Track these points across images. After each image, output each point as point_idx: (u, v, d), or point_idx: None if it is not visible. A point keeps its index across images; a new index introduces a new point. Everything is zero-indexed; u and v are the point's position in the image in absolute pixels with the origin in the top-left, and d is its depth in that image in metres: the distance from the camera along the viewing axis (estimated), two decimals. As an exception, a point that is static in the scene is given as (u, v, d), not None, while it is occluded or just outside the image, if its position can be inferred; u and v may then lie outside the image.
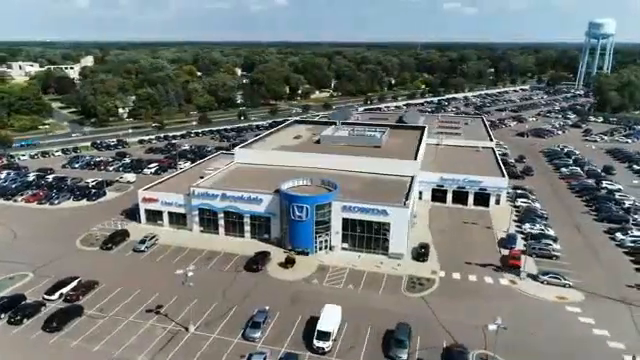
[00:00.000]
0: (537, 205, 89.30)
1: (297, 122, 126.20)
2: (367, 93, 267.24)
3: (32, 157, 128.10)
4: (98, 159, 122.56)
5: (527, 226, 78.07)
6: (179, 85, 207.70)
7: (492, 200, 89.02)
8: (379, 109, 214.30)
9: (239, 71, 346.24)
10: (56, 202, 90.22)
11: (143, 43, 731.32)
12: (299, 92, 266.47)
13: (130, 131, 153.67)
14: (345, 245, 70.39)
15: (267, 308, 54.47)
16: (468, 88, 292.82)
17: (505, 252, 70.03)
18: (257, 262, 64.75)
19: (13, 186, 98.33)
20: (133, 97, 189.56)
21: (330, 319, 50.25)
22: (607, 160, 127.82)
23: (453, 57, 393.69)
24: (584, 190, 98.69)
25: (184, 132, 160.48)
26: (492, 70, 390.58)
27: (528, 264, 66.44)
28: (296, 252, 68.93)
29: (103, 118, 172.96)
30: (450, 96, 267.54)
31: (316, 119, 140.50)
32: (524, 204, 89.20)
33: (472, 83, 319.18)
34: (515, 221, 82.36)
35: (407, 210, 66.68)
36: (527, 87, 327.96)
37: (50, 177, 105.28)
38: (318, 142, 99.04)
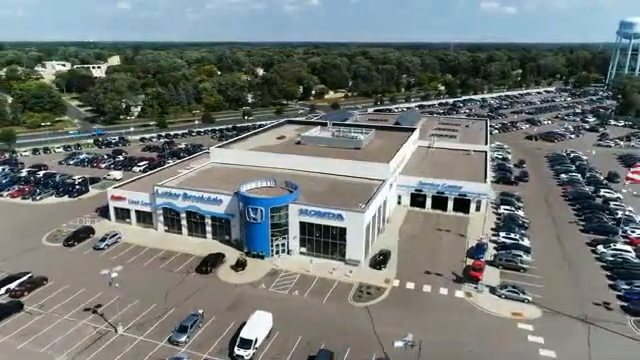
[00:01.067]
0: (520, 213, 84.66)
1: (288, 122, 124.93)
2: (382, 94, 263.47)
3: (34, 153, 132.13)
4: (93, 156, 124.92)
5: (502, 235, 73.96)
6: (190, 85, 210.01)
7: (472, 206, 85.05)
8: (389, 110, 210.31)
9: (261, 71, 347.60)
10: (38, 198, 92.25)
11: (179, 43, 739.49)
12: (313, 92, 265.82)
13: (132, 129, 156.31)
14: (303, 249, 68.56)
15: (201, 312, 53.38)
16: (487, 89, 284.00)
17: (471, 262, 66.44)
18: (207, 264, 63.82)
19: (3, 181, 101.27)
20: (142, 96, 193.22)
21: (256, 326, 48.68)
22: (616, 166, 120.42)
23: (481, 57, 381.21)
24: (578, 198, 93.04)
25: (186, 131, 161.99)
26: (520, 71, 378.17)
27: (493, 276, 63.05)
28: (252, 255, 67.67)
29: (111, 116, 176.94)
30: (467, 97, 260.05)
31: (314, 119, 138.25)
32: (506, 211, 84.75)
33: (494, 84, 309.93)
34: (493, 229, 78.48)
35: (363, 215, 64.12)
36: (552, 89, 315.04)
37: (41, 173, 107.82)
38: (299, 143, 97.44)
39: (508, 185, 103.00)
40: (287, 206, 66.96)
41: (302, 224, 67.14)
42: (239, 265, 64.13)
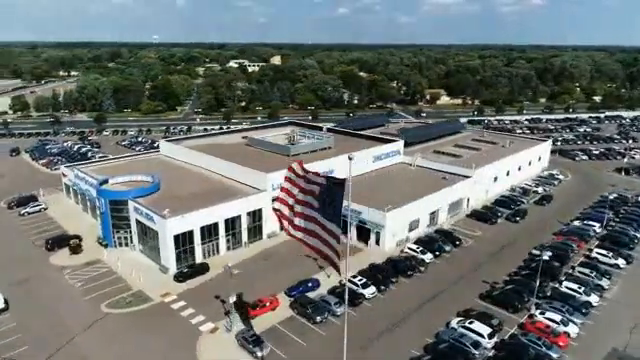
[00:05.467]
0: (426, 256, 66.57)
1: (290, 123, 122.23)
2: (512, 103, 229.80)
3: (114, 134, 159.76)
4: (141, 141, 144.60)
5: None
6: (286, 84, 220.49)
7: (372, 238, 70.85)
8: (483, 122, 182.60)
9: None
10: (53, 168, 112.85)
11: (377, 45, 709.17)
12: (427, 97, 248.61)
13: (198, 120, 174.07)
14: (141, 247, 68.93)
15: (-17, 282, 59.78)
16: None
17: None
18: (48, 243, 69.88)
19: (52, 151, 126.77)
20: (239, 92, 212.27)
21: (-24, 303, 52.51)
22: None
23: None
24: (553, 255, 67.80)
25: (246, 125, 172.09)
26: None
27: (275, 319, 53.20)
28: (100, 243, 71.22)
29: (205, 107, 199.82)
30: (616, 113, 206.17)
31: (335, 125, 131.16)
32: (411, 252, 67.91)
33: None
34: (361, 271, 63.75)
35: (166, 221, 60.92)
36: None
37: (84, 150, 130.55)
38: (249, 145, 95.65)
39: (480, 222, 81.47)
40: (127, 201, 68.21)
41: (138, 222, 67.53)
42: (71, 250, 68.44)
